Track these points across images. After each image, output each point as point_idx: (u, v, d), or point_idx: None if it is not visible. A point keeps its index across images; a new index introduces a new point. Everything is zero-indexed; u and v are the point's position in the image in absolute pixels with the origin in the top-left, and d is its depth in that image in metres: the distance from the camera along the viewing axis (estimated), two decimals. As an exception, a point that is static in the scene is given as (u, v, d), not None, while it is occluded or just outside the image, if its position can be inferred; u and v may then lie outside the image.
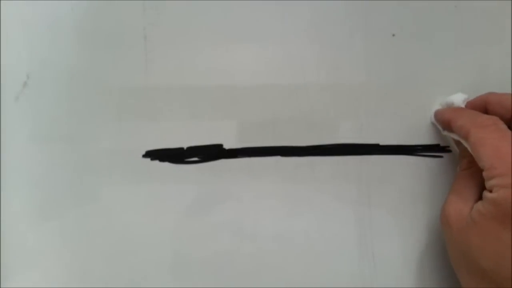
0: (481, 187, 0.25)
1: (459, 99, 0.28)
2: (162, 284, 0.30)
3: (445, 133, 0.28)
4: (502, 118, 0.26)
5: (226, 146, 0.30)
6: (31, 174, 0.30)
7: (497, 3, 0.29)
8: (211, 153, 0.30)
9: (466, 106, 0.28)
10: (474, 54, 0.30)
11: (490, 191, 0.24)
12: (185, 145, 0.30)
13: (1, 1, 0.29)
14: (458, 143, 0.28)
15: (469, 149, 0.25)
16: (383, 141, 0.30)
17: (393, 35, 0.30)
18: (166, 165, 0.30)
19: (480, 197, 0.25)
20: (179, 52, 0.30)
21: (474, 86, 0.30)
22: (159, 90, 0.30)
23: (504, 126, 0.25)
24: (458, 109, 0.28)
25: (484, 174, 0.24)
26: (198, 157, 0.30)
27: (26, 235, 0.30)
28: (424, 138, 0.30)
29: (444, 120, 0.28)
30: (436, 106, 0.30)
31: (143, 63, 0.30)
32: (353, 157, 0.30)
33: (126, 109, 0.30)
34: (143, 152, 0.30)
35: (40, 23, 0.29)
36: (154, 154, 0.30)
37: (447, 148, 0.30)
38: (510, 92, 0.27)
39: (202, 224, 0.30)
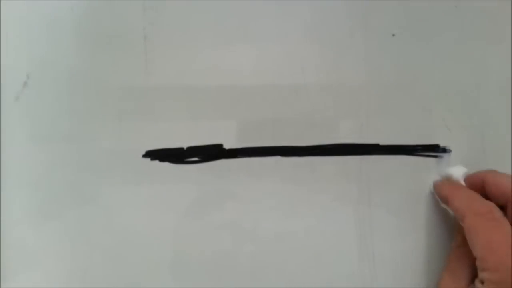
0: (474, 268, 0.25)
1: (458, 172, 0.29)
2: (162, 284, 0.30)
3: (444, 206, 0.29)
4: (498, 200, 0.26)
5: (226, 146, 0.30)
6: (31, 174, 0.30)
7: (497, 3, 0.29)
8: (211, 153, 0.30)
9: (465, 181, 0.28)
10: (474, 54, 0.30)
11: (482, 283, 0.24)
12: (185, 145, 0.30)
13: (1, 1, 0.29)
14: (455, 217, 0.28)
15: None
16: (383, 141, 0.30)
17: (393, 35, 0.30)
18: (166, 165, 0.30)
19: (473, 276, 0.25)
20: (179, 52, 0.30)
21: (474, 86, 0.30)
22: (159, 90, 0.30)
23: (499, 215, 0.25)
24: (456, 187, 0.28)
25: (477, 262, 0.25)
26: (198, 157, 0.30)
27: (26, 235, 0.30)
28: (424, 138, 0.30)
29: (441, 196, 0.29)
30: (436, 177, 0.30)
31: (143, 63, 0.30)
32: (353, 157, 0.30)
33: (126, 109, 0.30)
34: (143, 152, 0.30)
35: (40, 23, 0.29)
36: (154, 154, 0.30)
37: (447, 148, 0.30)
38: (508, 174, 0.28)
39: (202, 224, 0.30)
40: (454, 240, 0.28)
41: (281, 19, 0.30)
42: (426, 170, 0.30)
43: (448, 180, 0.29)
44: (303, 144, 0.30)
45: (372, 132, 0.30)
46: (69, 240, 0.30)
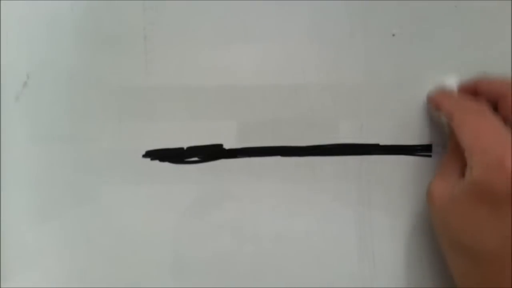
0: (465, 167, 0.25)
1: (451, 81, 0.29)
2: (162, 284, 0.30)
3: (437, 114, 0.29)
4: (490, 103, 0.26)
5: (226, 146, 0.30)
6: (31, 174, 0.30)
7: (497, 3, 0.29)
8: (211, 153, 0.30)
9: (458, 89, 0.29)
10: (474, 54, 0.30)
11: (470, 170, 0.24)
12: (185, 145, 0.30)
13: (1, 1, 0.29)
14: (448, 124, 0.28)
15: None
16: (383, 141, 0.30)
17: (393, 35, 0.30)
18: (166, 165, 0.30)
19: (463, 176, 0.25)
20: (179, 52, 0.30)
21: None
22: (159, 90, 0.30)
23: (488, 109, 0.25)
24: (448, 93, 0.29)
25: (465, 153, 0.25)
26: (198, 157, 0.30)
27: (26, 235, 0.30)
28: (424, 138, 0.30)
29: (434, 103, 0.29)
30: (426, 87, 0.30)
31: (143, 63, 0.30)
32: (353, 157, 0.30)
33: (126, 109, 0.30)
34: (143, 152, 0.30)
35: (40, 23, 0.29)
36: (154, 154, 0.30)
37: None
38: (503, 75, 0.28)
39: (202, 224, 0.30)
40: (448, 146, 0.28)
41: (281, 19, 0.30)
42: (426, 170, 0.30)
43: (441, 90, 0.29)
44: (303, 144, 0.30)
45: (372, 132, 0.30)
46: (69, 240, 0.30)
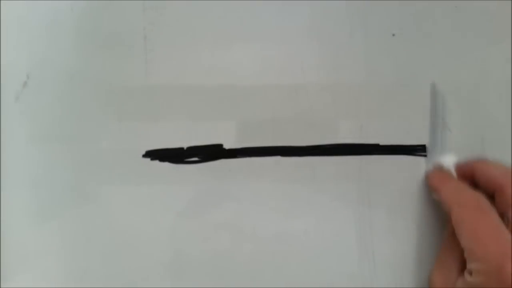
0: (463, 259, 0.25)
1: (448, 161, 0.29)
2: (162, 284, 0.30)
3: (435, 196, 0.29)
4: (487, 188, 0.26)
5: (226, 146, 0.30)
6: (31, 174, 0.30)
7: (497, 3, 0.29)
8: (211, 153, 0.30)
9: (455, 170, 0.29)
10: (474, 54, 0.30)
11: (470, 274, 0.24)
12: (185, 145, 0.30)
13: (1, 1, 0.29)
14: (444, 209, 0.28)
15: None
16: (383, 141, 0.30)
17: (393, 35, 0.30)
18: (166, 165, 0.30)
19: (463, 267, 0.25)
20: (179, 52, 0.30)
21: (474, 86, 0.30)
22: (159, 90, 0.30)
23: (486, 205, 0.25)
24: (445, 178, 0.29)
25: (465, 253, 0.25)
26: (198, 157, 0.30)
27: (26, 235, 0.30)
28: (424, 138, 0.30)
29: (432, 187, 0.29)
30: (429, 166, 0.30)
31: (143, 63, 0.30)
32: (353, 157, 0.30)
33: (126, 109, 0.30)
34: (143, 152, 0.30)
35: (40, 23, 0.29)
36: (154, 154, 0.30)
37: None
38: (498, 162, 0.28)
39: (201, 224, 0.30)
40: (446, 229, 0.28)
41: (281, 19, 0.30)
42: (426, 170, 0.30)
43: (439, 170, 0.29)
44: (303, 144, 0.30)
45: (372, 132, 0.30)
46: (68, 240, 0.30)
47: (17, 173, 0.30)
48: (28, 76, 0.30)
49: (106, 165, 0.30)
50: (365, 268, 0.30)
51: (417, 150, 0.30)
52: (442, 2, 0.29)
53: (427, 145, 0.30)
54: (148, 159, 0.30)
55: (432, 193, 0.29)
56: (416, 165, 0.30)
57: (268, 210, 0.30)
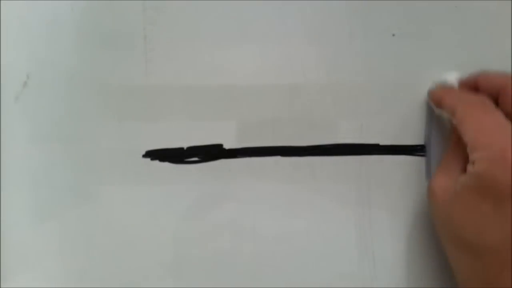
0: (467, 162, 0.25)
1: (451, 77, 0.29)
2: (162, 284, 0.30)
3: (438, 111, 0.29)
4: (491, 97, 0.26)
5: (226, 146, 0.30)
6: (31, 174, 0.30)
7: (497, 3, 0.29)
8: (211, 153, 0.30)
9: (458, 85, 0.29)
10: (474, 54, 0.30)
11: (473, 164, 0.24)
12: (185, 145, 0.30)
13: (1, 1, 0.29)
14: (450, 120, 0.28)
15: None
16: (383, 141, 0.30)
17: (393, 35, 0.30)
18: (166, 165, 0.30)
19: (465, 169, 0.25)
20: (179, 52, 0.30)
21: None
22: (159, 90, 0.30)
23: (490, 103, 0.25)
24: (449, 88, 0.29)
25: (468, 148, 0.25)
26: (198, 157, 0.30)
27: (26, 235, 0.30)
28: (423, 138, 0.30)
29: (435, 99, 0.28)
30: (426, 87, 0.30)
31: (143, 63, 0.30)
32: (353, 157, 0.30)
33: (126, 109, 0.30)
34: (143, 152, 0.30)
35: (40, 23, 0.29)
36: (154, 154, 0.30)
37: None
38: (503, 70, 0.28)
39: (202, 224, 0.30)
40: (448, 142, 0.28)
41: (281, 19, 0.30)
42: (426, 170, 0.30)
43: (442, 86, 0.29)
44: (303, 144, 0.30)
45: (372, 132, 0.30)
46: (68, 240, 0.30)
47: (17, 173, 0.30)
48: (28, 76, 0.30)
49: (106, 165, 0.30)
50: (365, 268, 0.30)
51: (417, 150, 0.30)
52: (442, 2, 0.29)
53: (426, 145, 0.30)
54: (148, 159, 0.30)
55: (435, 108, 0.29)
56: (416, 165, 0.30)
57: (268, 210, 0.30)
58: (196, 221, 0.30)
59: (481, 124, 0.24)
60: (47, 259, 0.30)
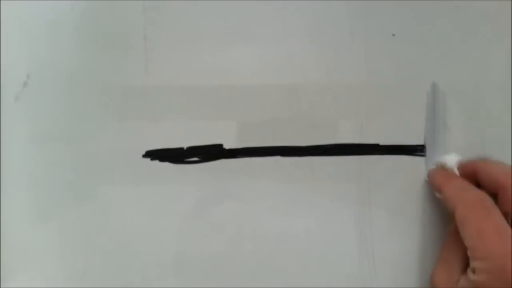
0: (466, 258, 0.25)
1: (451, 161, 0.29)
2: (162, 284, 0.30)
3: (437, 195, 0.29)
4: (490, 188, 0.26)
5: (226, 146, 0.30)
6: (31, 174, 0.30)
7: (497, 3, 0.29)
8: (211, 153, 0.30)
9: (458, 169, 0.29)
10: (474, 54, 0.30)
11: (473, 272, 0.24)
12: (185, 145, 0.30)
13: (1, 1, 0.29)
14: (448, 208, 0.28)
15: None
16: (383, 141, 0.30)
17: (393, 35, 0.30)
18: (166, 165, 0.30)
19: (465, 265, 0.25)
20: (179, 52, 0.30)
21: (474, 86, 0.30)
22: (159, 90, 0.30)
23: (490, 204, 0.25)
24: (449, 176, 0.28)
25: (468, 252, 0.25)
26: (198, 157, 0.30)
27: (26, 235, 0.30)
28: (423, 138, 0.30)
29: (435, 185, 0.29)
30: (428, 166, 0.30)
31: (143, 63, 0.30)
32: (353, 157, 0.30)
33: (126, 109, 0.30)
34: (143, 152, 0.30)
35: (40, 23, 0.29)
36: (154, 154, 0.30)
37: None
38: (500, 161, 0.28)
39: (202, 224, 0.30)
40: (448, 229, 0.28)
41: (281, 19, 0.30)
42: (426, 170, 0.30)
43: (442, 169, 0.29)
44: (303, 144, 0.30)
45: (372, 132, 0.30)
46: (68, 240, 0.30)
47: (17, 173, 0.30)
48: (28, 76, 0.30)
49: (106, 165, 0.30)
50: (365, 268, 0.30)
51: (417, 150, 0.30)
52: (442, 2, 0.29)
53: (425, 145, 0.30)
54: (148, 159, 0.30)
55: (435, 192, 0.29)
56: (416, 165, 0.30)
57: (268, 210, 0.30)
58: (196, 221, 0.30)
59: (480, 231, 0.24)
60: (47, 259, 0.30)
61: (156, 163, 0.30)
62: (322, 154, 0.30)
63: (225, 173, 0.30)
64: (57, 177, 0.30)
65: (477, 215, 0.25)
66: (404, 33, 0.30)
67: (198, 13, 0.29)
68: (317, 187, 0.30)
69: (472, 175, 0.28)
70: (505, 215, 0.25)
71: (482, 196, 0.26)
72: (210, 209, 0.30)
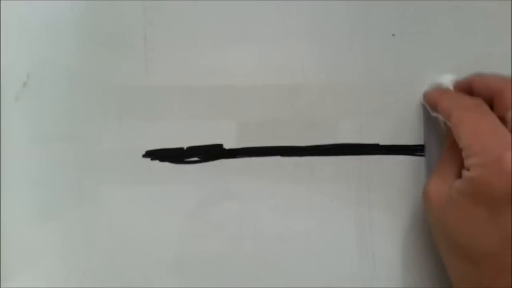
0: (462, 166, 0.25)
1: (447, 80, 0.29)
2: (162, 284, 0.30)
3: (434, 114, 0.29)
4: (486, 100, 0.26)
5: (226, 146, 0.30)
6: (31, 174, 0.30)
7: (497, 3, 0.29)
8: (211, 153, 0.30)
9: (453, 87, 0.28)
10: (474, 54, 0.30)
11: (468, 170, 0.24)
12: (185, 145, 0.30)
13: (1, 1, 0.29)
14: (445, 123, 0.28)
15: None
16: (383, 141, 0.30)
17: (393, 35, 0.30)
18: (166, 165, 0.30)
19: (460, 176, 0.25)
20: (179, 52, 0.30)
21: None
22: (159, 90, 0.30)
23: (485, 107, 0.25)
24: (444, 91, 0.28)
25: (463, 153, 0.25)
26: (198, 157, 0.30)
27: (26, 235, 0.30)
28: (423, 138, 0.30)
29: (430, 102, 0.28)
30: (426, 87, 0.30)
31: (143, 63, 0.30)
32: (353, 157, 0.30)
33: (126, 109, 0.30)
34: (143, 152, 0.30)
35: (40, 23, 0.29)
36: (154, 154, 0.30)
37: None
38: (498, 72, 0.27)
39: (201, 224, 0.30)
40: (444, 144, 0.28)
41: (280, 19, 0.30)
42: (426, 170, 0.30)
43: (438, 88, 0.29)
44: (303, 144, 0.30)
45: (372, 132, 0.30)
46: (69, 240, 0.30)
47: (18, 173, 0.30)
48: (28, 76, 0.30)
49: (106, 165, 0.30)
50: (365, 268, 0.30)
51: (417, 150, 0.30)
52: (442, 2, 0.29)
53: (425, 145, 0.30)
54: (148, 159, 0.30)
55: (431, 110, 0.29)
56: (416, 165, 0.30)
57: (268, 210, 0.30)
58: (196, 221, 0.30)
59: (475, 129, 0.24)
60: (47, 259, 0.30)
61: (156, 163, 0.30)
62: (322, 154, 0.30)
63: (225, 173, 0.30)
64: (57, 177, 0.30)
65: (473, 115, 0.25)
66: (404, 33, 0.30)
67: (198, 13, 0.29)
68: (317, 187, 0.30)
69: (468, 91, 0.28)
70: (501, 119, 0.25)
71: (477, 101, 0.26)
72: (210, 209, 0.30)
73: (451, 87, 0.29)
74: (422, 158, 0.30)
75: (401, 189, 0.30)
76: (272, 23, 0.30)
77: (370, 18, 0.29)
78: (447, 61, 0.30)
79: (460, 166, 0.25)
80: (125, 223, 0.30)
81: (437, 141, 0.30)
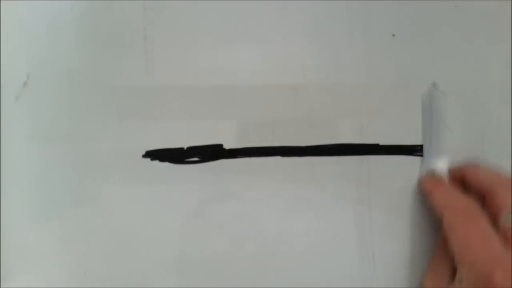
0: (455, 264, 0.26)
1: (441, 166, 0.29)
2: (162, 284, 0.30)
3: (427, 200, 0.29)
4: (477, 192, 0.27)
5: (226, 146, 0.30)
6: (31, 174, 0.30)
7: (497, 3, 0.29)
8: (211, 153, 0.30)
9: (448, 173, 0.29)
10: (474, 54, 0.30)
11: (460, 280, 0.24)
12: (185, 145, 0.30)
13: (1, 1, 0.29)
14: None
15: None
16: (383, 141, 0.30)
17: (393, 35, 0.30)
18: (166, 165, 0.30)
19: (454, 272, 0.25)
20: (179, 52, 0.30)
21: (474, 86, 0.30)
22: (159, 90, 0.30)
23: (476, 211, 0.25)
24: (437, 183, 0.29)
25: (455, 259, 0.25)
26: (198, 157, 0.30)
27: (26, 235, 0.30)
28: (422, 138, 0.30)
29: (425, 191, 0.29)
30: (425, 167, 0.30)
31: (143, 63, 0.30)
32: (353, 157, 0.30)
33: (126, 109, 0.30)
34: (143, 152, 0.30)
35: (40, 23, 0.29)
36: (154, 154, 0.30)
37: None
38: (489, 166, 0.28)
39: (202, 224, 0.30)
40: (438, 237, 0.29)
41: (281, 19, 0.30)
42: (426, 170, 0.30)
43: (432, 175, 0.29)
44: (303, 144, 0.30)
45: (372, 132, 0.30)
46: (69, 240, 0.30)
47: (17, 173, 0.30)
48: (28, 76, 0.30)
49: (106, 165, 0.30)
50: (365, 268, 0.30)
51: (417, 150, 0.30)
52: (442, 2, 0.29)
53: (423, 145, 0.30)
54: (148, 159, 0.30)
55: (426, 198, 0.29)
56: (416, 165, 0.30)
57: (268, 210, 0.30)
58: (196, 221, 0.30)
59: (466, 239, 0.24)
60: (47, 259, 0.30)
61: (156, 163, 0.30)
62: (322, 154, 0.30)
63: (225, 173, 0.30)
64: (57, 177, 0.30)
65: (463, 222, 0.25)
66: (404, 33, 0.30)
67: (198, 13, 0.29)
68: (317, 187, 0.30)
69: (461, 180, 0.28)
70: (493, 219, 0.25)
71: (468, 203, 0.26)
72: (210, 209, 0.30)
73: (445, 174, 0.29)
74: (422, 158, 0.30)
75: (401, 189, 0.30)
76: (272, 23, 0.30)
77: (370, 18, 0.29)
78: (447, 61, 0.30)
79: (453, 263, 0.26)
80: (125, 223, 0.30)
81: (436, 141, 0.30)
